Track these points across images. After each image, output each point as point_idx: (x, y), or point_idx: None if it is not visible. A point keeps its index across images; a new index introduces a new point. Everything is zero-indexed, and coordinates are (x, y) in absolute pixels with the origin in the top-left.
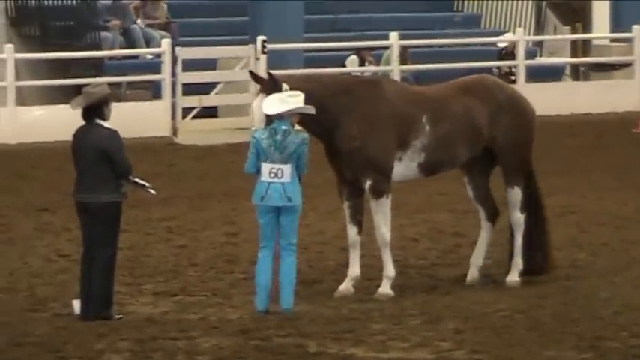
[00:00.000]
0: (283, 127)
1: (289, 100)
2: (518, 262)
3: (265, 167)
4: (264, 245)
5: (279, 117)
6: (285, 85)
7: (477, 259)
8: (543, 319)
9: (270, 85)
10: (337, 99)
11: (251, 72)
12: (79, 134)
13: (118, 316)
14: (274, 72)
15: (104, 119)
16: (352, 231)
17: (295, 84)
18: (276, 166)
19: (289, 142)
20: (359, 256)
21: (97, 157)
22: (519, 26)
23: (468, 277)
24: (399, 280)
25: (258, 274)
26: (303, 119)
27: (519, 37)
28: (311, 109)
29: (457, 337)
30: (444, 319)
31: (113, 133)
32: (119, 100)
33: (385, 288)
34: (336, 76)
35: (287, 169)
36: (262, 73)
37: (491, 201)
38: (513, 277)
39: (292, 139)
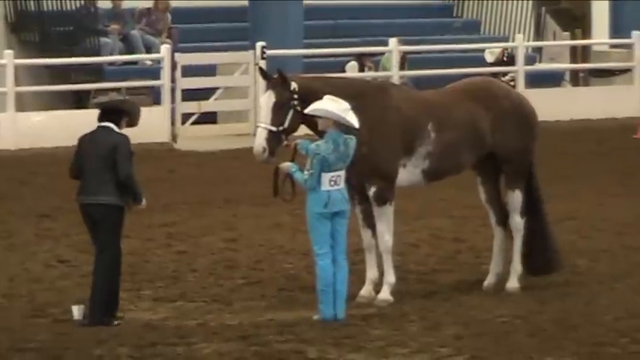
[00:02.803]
0: (344, 137)
1: (353, 115)
2: (517, 268)
3: (326, 177)
4: (326, 252)
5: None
6: (293, 84)
7: (496, 266)
8: (543, 325)
9: (280, 83)
10: (347, 101)
11: (260, 69)
12: (88, 137)
13: (116, 322)
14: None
15: (118, 127)
16: (367, 235)
17: (304, 83)
18: (337, 173)
19: (350, 149)
20: (375, 259)
21: (105, 161)
22: (519, 32)
23: (485, 283)
24: (399, 286)
25: (328, 281)
26: (310, 121)
27: (519, 42)
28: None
29: (457, 343)
30: (444, 325)
31: (124, 138)
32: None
33: (385, 294)
34: (345, 79)
35: (343, 174)
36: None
37: (501, 203)
38: (513, 282)
39: (351, 144)
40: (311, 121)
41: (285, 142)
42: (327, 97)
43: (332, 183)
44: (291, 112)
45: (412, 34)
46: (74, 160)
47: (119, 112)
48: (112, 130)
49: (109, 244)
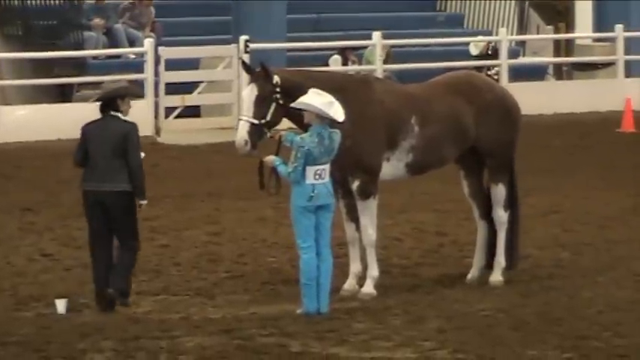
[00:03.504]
0: (329, 131)
1: (339, 108)
2: (500, 262)
3: (310, 170)
4: (310, 245)
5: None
6: (276, 77)
7: (480, 259)
8: (526, 318)
9: (262, 76)
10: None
11: (243, 62)
12: (93, 126)
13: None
14: None
15: (121, 113)
16: (350, 228)
17: (286, 76)
18: (321, 167)
19: (335, 142)
20: (359, 252)
21: (116, 148)
22: (502, 26)
23: (469, 276)
24: (382, 280)
25: (311, 275)
26: (293, 114)
27: (502, 36)
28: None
29: (440, 337)
30: (427, 318)
31: (133, 126)
32: (140, 97)
33: (369, 287)
34: (328, 73)
35: (327, 167)
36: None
37: (484, 197)
38: (496, 276)
39: (336, 138)
40: (293, 114)
41: (269, 135)
42: (312, 91)
43: (317, 177)
44: (273, 106)
45: (395, 28)
46: (79, 147)
47: (113, 100)
48: (119, 118)
49: (129, 229)
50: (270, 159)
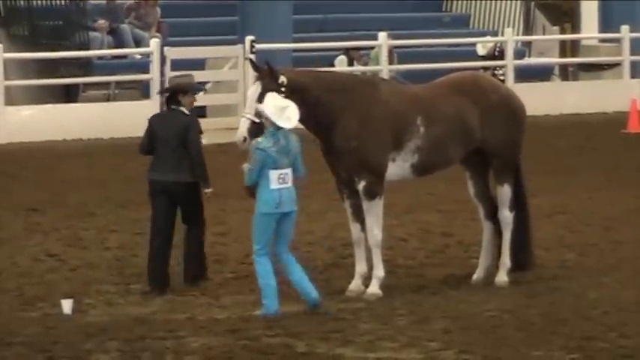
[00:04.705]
0: (284, 131)
1: (291, 113)
2: (506, 262)
3: (274, 174)
4: (265, 250)
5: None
6: (282, 77)
7: (485, 260)
8: (532, 319)
9: (268, 75)
10: (335, 95)
11: (251, 61)
12: (158, 118)
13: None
14: None
15: (183, 106)
16: (355, 229)
17: (293, 76)
18: (284, 171)
19: (292, 145)
20: (364, 253)
21: (177, 140)
22: (508, 26)
23: (474, 277)
24: (388, 280)
25: (268, 277)
26: (302, 115)
27: (508, 37)
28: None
29: (445, 337)
30: (433, 319)
31: (194, 119)
32: (203, 92)
33: (374, 288)
34: (334, 73)
35: (290, 172)
36: (250, 74)
37: (490, 197)
38: (502, 276)
39: (293, 140)
40: (303, 117)
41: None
42: (269, 95)
43: (280, 180)
44: None
45: (401, 29)
46: (145, 137)
47: (179, 93)
48: (181, 111)
49: (193, 217)
50: (244, 165)
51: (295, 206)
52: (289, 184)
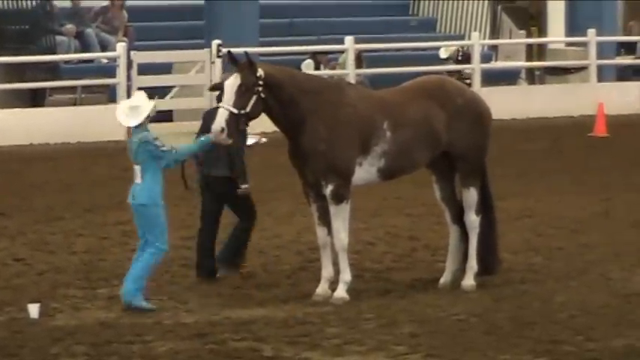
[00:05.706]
0: (136, 130)
1: (141, 109)
2: (473, 266)
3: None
4: (140, 242)
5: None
6: (260, 70)
7: (452, 263)
8: (499, 323)
9: (247, 67)
10: (306, 97)
11: (229, 52)
12: (208, 115)
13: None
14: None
15: None
16: (322, 232)
17: (271, 72)
18: (136, 167)
19: (133, 143)
20: (331, 256)
21: None
22: (475, 30)
23: (441, 281)
24: (355, 284)
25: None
26: (270, 109)
27: (475, 40)
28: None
29: (413, 341)
30: (400, 323)
31: None
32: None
33: (341, 292)
34: (307, 75)
35: (138, 170)
36: (217, 77)
37: (456, 201)
38: (469, 280)
39: (135, 139)
40: (271, 109)
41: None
42: (136, 92)
43: (135, 177)
44: (254, 98)
45: (368, 32)
46: (200, 132)
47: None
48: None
49: (239, 210)
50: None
51: (133, 200)
52: (138, 180)
